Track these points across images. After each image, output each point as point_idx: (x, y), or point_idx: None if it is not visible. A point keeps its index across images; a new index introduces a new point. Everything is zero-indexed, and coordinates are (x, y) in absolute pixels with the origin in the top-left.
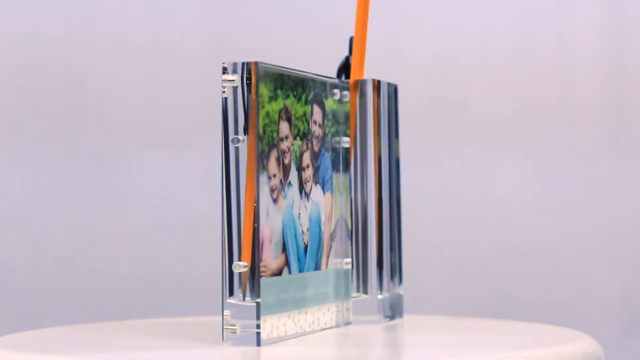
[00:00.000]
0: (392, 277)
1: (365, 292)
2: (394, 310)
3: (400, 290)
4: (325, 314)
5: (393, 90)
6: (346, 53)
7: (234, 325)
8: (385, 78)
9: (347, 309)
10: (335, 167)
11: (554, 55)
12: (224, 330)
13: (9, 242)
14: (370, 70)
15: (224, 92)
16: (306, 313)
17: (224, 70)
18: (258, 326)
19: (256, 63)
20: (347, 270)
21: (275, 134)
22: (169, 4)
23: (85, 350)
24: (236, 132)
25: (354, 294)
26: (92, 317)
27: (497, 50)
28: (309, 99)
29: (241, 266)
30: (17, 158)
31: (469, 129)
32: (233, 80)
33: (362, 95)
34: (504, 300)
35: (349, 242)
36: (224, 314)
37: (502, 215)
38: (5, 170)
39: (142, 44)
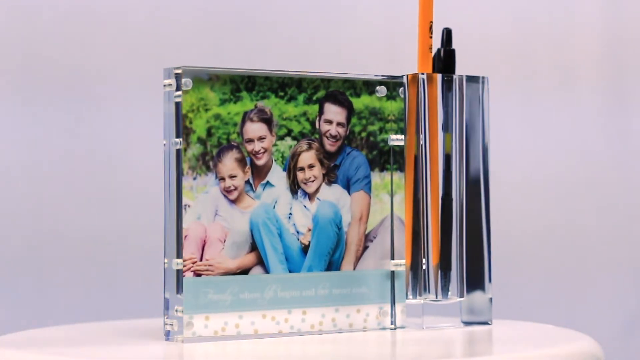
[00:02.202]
0: (469, 280)
1: (420, 294)
2: (476, 314)
3: (488, 295)
4: (351, 315)
5: (478, 83)
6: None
7: (171, 323)
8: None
9: (402, 311)
10: (376, 166)
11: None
12: (164, 326)
13: (8, 242)
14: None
15: (165, 96)
16: (304, 313)
17: (165, 75)
18: (182, 323)
19: (186, 68)
20: (399, 272)
21: (234, 135)
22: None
23: (86, 349)
24: (175, 135)
25: (419, 297)
26: (93, 316)
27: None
28: (313, 98)
29: (178, 263)
30: (13, 155)
31: None
32: (170, 85)
33: (422, 90)
34: (502, 300)
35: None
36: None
37: (501, 214)
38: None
39: (142, 43)
